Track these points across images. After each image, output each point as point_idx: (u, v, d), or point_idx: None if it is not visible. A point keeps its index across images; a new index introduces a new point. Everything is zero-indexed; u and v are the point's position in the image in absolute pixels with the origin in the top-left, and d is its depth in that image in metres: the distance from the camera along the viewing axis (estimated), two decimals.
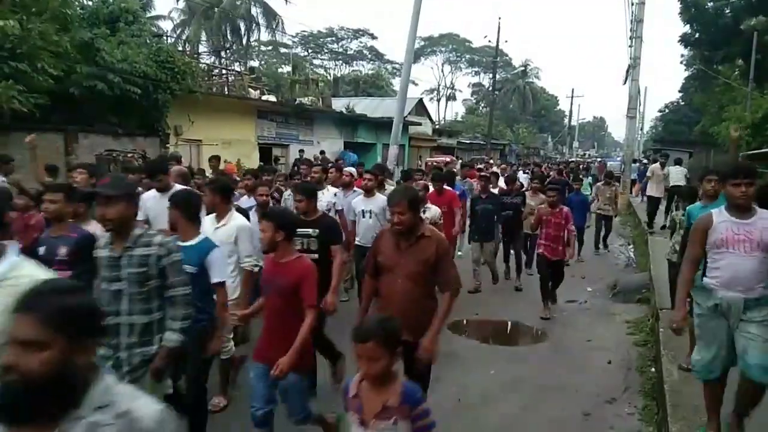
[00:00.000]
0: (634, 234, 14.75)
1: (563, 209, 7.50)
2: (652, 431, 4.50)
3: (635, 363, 5.93)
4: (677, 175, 13.86)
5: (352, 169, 8.99)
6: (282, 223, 3.58)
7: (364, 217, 6.73)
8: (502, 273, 9.31)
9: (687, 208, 5.68)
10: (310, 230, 4.70)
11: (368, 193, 6.87)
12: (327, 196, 6.66)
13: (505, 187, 9.84)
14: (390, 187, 8.09)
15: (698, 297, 3.75)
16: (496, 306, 8.02)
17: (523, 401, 5.06)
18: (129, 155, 12.56)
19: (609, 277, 9.71)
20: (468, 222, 8.94)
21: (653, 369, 5.60)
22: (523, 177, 17.25)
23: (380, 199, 6.60)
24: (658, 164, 14.27)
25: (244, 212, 5.42)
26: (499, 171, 15.74)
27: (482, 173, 10.07)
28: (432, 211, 6.85)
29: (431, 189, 8.13)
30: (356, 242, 6.79)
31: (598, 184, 13.81)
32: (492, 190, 9.29)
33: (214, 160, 10.93)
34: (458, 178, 11.52)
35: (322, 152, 19.86)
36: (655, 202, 13.84)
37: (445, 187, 8.39)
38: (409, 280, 3.66)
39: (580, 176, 15.42)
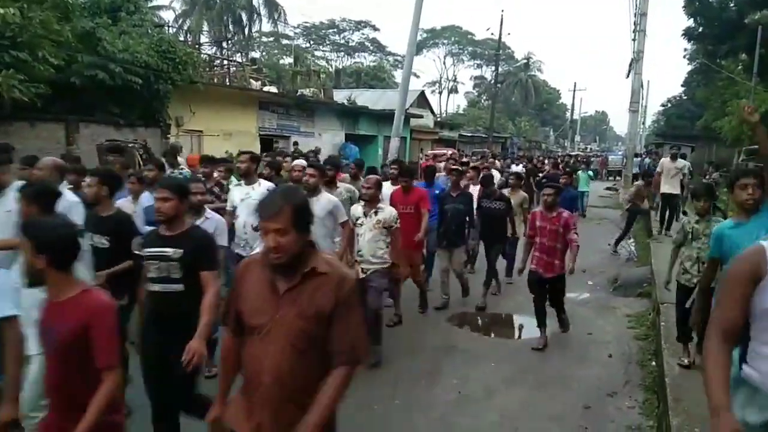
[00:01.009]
0: (636, 228, 14.72)
1: (562, 213, 6.03)
2: (652, 425, 4.49)
3: (636, 357, 5.93)
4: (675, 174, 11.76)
5: (302, 162, 7.14)
6: (42, 241, 2.34)
7: None
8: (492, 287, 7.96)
9: (715, 228, 4.10)
10: (169, 250, 3.40)
11: (311, 192, 5.34)
12: (322, 202, 5.46)
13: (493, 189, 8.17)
14: (343, 186, 6.88)
15: (737, 400, 2.18)
16: (497, 299, 8.00)
17: (524, 394, 5.06)
18: (130, 145, 12.52)
19: (610, 271, 9.70)
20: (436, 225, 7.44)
21: (654, 363, 5.60)
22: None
23: (324, 200, 5.46)
24: (668, 158, 12.24)
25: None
26: (479, 165, 13.00)
27: (453, 166, 7.95)
28: (386, 212, 5.51)
29: (388, 186, 7.09)
30: None
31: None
32: (474, 187, 8.33)
33: (170, 152, 9.98)
34: (443, 174, 10.22)
35: (318, 148, 19.77)
36: (668, 200, 11.73)
37: (416, 184, 7.34)
38: (291, 348, 2.19)
39: (568, 169, 14.67)
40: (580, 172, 17.03)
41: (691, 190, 7.03)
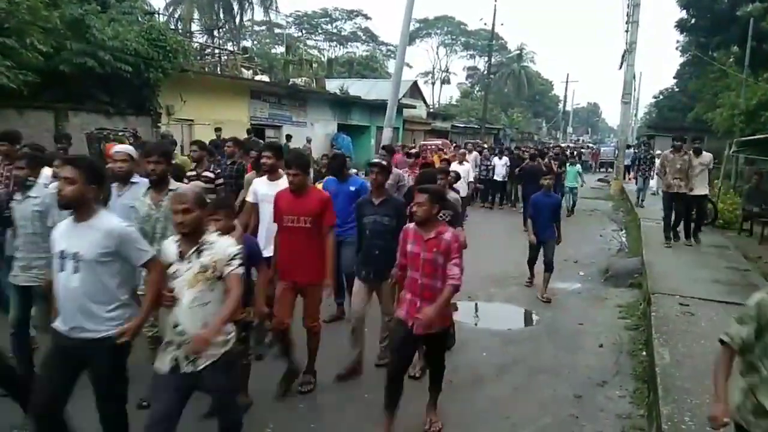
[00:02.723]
0: (627, 219, 14.79)
1: (443, 234, 3.86)
2: (642, 414, 4.52)
3: (626, 346, 5.96)
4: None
5: (124, 147, 5.40)
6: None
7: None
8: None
9: None
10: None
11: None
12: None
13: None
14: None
15: None
16: (489, 289, 8.02)
17: (515, 383, 5.08)
18: (120, 134, 12.40)
19: (601, 262, 9.74)
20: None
21: (644, 353, 5.64)
22: (499, 165, 15.90)
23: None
24: (669, 151, 10.06)
25: None
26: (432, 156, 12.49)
27: (374, 161, 5.24)
28: (216, 249, 3.17)
29: (263, 182, 5.26)
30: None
31: (666, 152, 10.21)
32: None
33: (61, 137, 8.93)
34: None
35: (309, 139, 19.71)
36: (670, 200, 9.80)
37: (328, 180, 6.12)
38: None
39: (556, 162, 14.04)
40: (568, 166, 15.91)
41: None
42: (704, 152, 9.97)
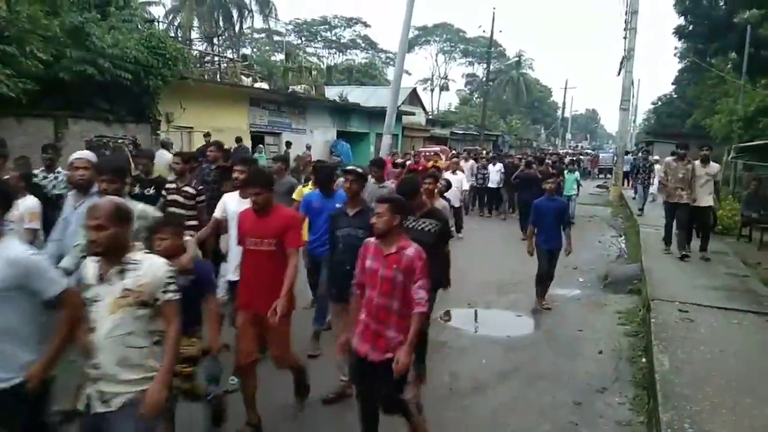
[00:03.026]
0: (626, 225, 14.80)
1: (405, 249, 3.47)
2: (642, 421, 4.51)
3: (626, 353, 5.95)
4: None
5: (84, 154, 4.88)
6: None
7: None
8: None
9: None
10: None
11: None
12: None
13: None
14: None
15: None
16: (488, 296, 8.02)
17: (515, 390, 5.07)
18: (119, 141, 12.43)
19: (600, 268, 9.74)
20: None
21: (644, 359, 5.63)
22: (493, 172, 15.50)
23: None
24: (672, 158, 9.72)
25: None
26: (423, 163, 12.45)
27: (349, 168, 4.75)
28: (144, 271, 2.73)
29: (234, 199, 4.92)
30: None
31: (669, 159, 9.82)
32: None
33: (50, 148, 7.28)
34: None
35: (309, 146, 19.75)
36: (672, 211, 9.36)
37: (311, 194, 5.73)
38: None
39: (554, 171, 13.32)
40: (566, 173, 15.06)
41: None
42: (712, 162, 9.36)
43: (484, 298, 7.88)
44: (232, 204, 4.85)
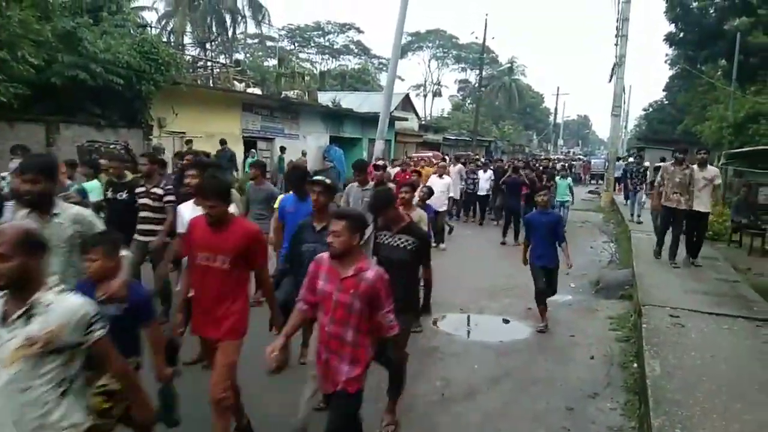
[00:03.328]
0: (617, 231, 14.86)
1: (364, 271, 3.12)
2: (634, 426, 4.52)
3: (618, 358, 5.97)
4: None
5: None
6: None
7: None
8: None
9: None
10: None
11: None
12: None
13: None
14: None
15: None
16: (481, 301, 8.03)
17: (507, 395, 5.07)
18: (111, 146, 12.38)
19: (592, 273, 9.77)
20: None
21: (635, 365, 5.64)
22: (483, 179, 15.06)
23: None
24: (669, 163, 9.39)
25: None
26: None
27: (316, 179, 4.55)
28: (52, 315, 2.25)
29: (190, 208, 4.73)
30: None
31: (666, 164, 9.58)
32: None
33: None
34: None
35: (304, 153, 19.78)
36: (668, 216, 9.00)
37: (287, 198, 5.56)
38: None
39: (544, 176, 13.34)
40: (558, 178, 14.57)
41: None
42: (710, 166, 9.20)
43: (476, 303, 7.89)
44: (187, 213, 4.64)
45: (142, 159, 6.23)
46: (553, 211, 7.32)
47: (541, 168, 15.72)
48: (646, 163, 17.14)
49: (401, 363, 4.12)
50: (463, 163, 16.27)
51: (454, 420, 4.53)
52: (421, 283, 4.36)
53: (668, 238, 9.13)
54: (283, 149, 19.12)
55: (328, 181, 4.42)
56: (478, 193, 15.35)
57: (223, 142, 15.69)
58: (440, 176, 11.77)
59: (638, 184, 15.40)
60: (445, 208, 11.44)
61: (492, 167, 16.08)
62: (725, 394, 4.45)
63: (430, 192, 8.47)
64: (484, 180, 15.18)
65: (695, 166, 8.91)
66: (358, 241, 3.16)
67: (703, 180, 8.72)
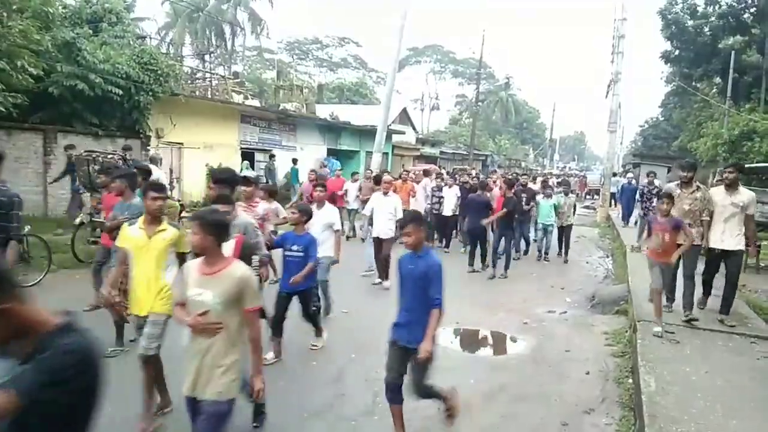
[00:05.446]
0: (613, 246, 14.90)
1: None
2: None
3: (613, 374, 5.96)
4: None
5: None
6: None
7: None
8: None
9: None
10: None
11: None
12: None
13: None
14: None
15: None
16: (476, 315, 8.02)
17: (502, 410, 5.06)
18: (109, 156, 12.39)
19: (588, 289, 9.79)
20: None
21: (630, 380, 5.64)
22: (450, 195, 12.91)
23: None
24: (674, 184, 7.41)
25: None
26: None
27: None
28: None
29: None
30: None
31: (671, 185, 7.58)
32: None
33: None
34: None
35: (295, 160, 19.81)
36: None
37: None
38: None
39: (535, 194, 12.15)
40: (540, 199, 12.54)
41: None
42: (742, 188, 6.94)
43: (471, 317, 7.88)
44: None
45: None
46: (428, 253, 4.26)
47: (521, 186, 12.77)
48: (657, 182, 14.23)
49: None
50: (431, 176, 14.37)
51: None
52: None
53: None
54: (272, 156, 19.21)
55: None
56: (443, 213, 12.97)
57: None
58: (385, 194, 9.44)
59: (650, 208, 12.46)
60: (391, 234, 9.14)
61: (458, 183, 13.95)
62: (720, 410, 4.45)
63: (307, 214, 5.91)
64: (451, 197, 12.95)
65: (719, 188, 7.09)
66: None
67: (731, 206, 6.69)
